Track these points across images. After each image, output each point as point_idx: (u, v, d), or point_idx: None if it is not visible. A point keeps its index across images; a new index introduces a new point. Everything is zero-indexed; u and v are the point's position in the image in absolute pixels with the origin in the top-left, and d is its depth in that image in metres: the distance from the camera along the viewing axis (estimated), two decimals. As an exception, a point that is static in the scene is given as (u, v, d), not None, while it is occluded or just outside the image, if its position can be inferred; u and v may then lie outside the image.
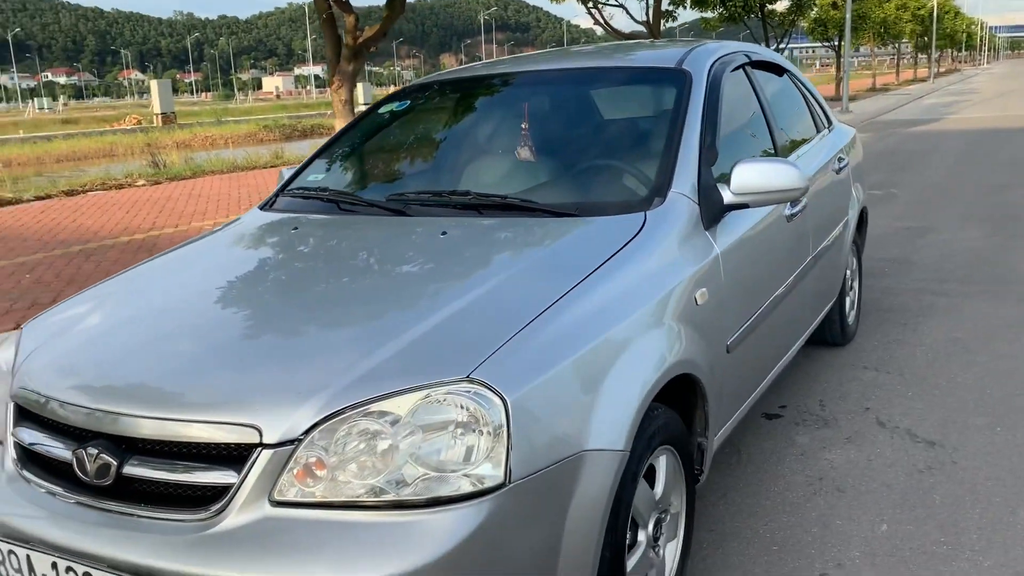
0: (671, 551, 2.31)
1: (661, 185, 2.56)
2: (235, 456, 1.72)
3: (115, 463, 1.78)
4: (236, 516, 1.68)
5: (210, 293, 2.30)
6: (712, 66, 3.08)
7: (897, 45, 52.21)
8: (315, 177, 3.20)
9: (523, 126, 3.08)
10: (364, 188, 3.13)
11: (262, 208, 3.09)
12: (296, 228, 2.73)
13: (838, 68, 33.98)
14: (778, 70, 3.94)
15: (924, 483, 2.98)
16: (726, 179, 2.65)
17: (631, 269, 2.21)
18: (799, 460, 3.21)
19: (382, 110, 3.51)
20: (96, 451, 1.79)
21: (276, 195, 3.15)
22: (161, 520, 1.73)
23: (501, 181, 2.96)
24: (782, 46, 25.18)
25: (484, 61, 3.87)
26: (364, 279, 2.23)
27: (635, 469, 1.99)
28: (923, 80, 51.63)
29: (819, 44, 37.14)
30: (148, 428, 1.77)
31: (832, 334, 4.33)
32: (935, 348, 4.37)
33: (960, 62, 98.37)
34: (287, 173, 3.38)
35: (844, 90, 24.82)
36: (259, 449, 1.69)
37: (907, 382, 3.93)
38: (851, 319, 4.51)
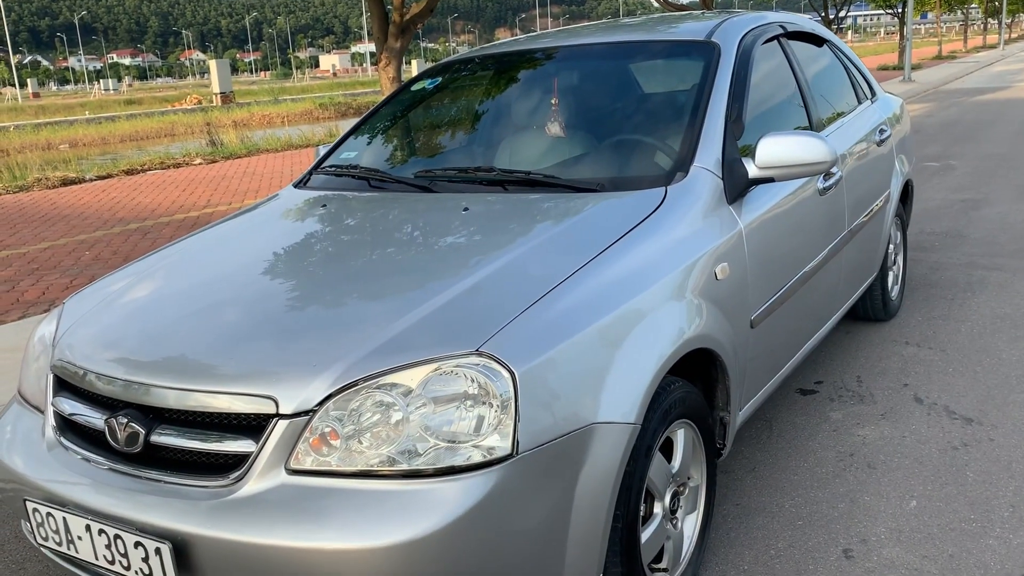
0: (690, 524, 2.33)
1: (684, 159, 2.56)
2: (253, 426, 1.79)
3: (143, 432, 1.86)
4: (255, 483, 1.75)
5: (233, 271, 2.38)
6: (743, 39, 3.05)
7: (966, 10, 50.34)
8: (348, 155, 3.26)
9: (553, 101, 3.10)
10: (394, 165, 3.18)
11: (296, 186, 3.16)
12: (324, 206, 2.80)
13: (902, 36, 32.95)
14: (817, 40, 3.87)
15: (958, 460, 2.94)
16: (751, 153, 2.63)
17: (647, 244, 2.22)
18: (831, 436, 3.19)
19: (414, 88, 3.55)
20: (126, 420, 1.88)
21: (310, 173, 3.22)
22: (185, 486, 1.81)
23: (527, 157, 2.98)
24: (842, 14, 24.48)
25: (513, 37, 3.87)
26: (384, 255, 2.28)
27: (649, 442, 2.01)
28: (993, 47, 49.74)
29: (882, 11, 36.01)
30: (172, 398, 1.85)
31: (874, 309, 4.27)
32: (981, 324, 4.27)
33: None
34: (322, 150, 3.45)
35: (907, 58, 24.07)
36: (276, 419, 1.75)
37: (949, 358, 3.86)
38: (894, 294, 4.43)
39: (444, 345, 1.79)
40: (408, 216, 2.55)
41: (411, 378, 1.75)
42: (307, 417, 1.75)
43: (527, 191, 2.59)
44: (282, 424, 1.75)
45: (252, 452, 1.77)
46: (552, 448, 1.78)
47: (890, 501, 2.72)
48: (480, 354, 1.76)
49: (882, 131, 4.04)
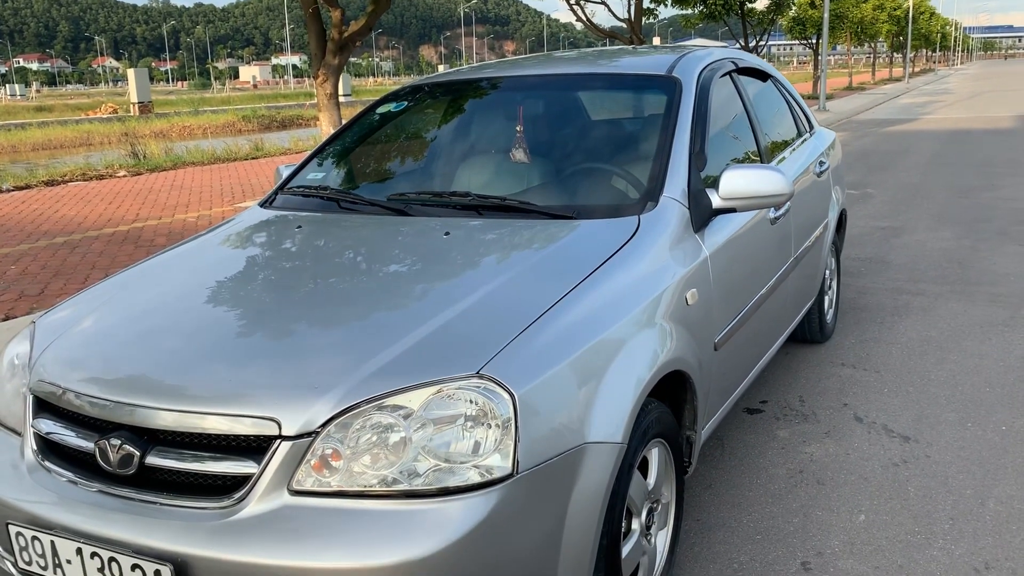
0: (662, 539, 2.43)
1: (653, 190, 2.67)
2: (255, 447, 1.80)
3: (138, 453, 1.86)
4: (256, 504, 1.76)
5: (223, 288, 2.38)
6: (701, 73, 3.20)
7: (873, 44, 52.74)
8: (314, 176, 3.28)
9: (518, 128, 3.18)
10: (364, 187, 3.22)
11: (262, 205, 3.16)
12: (300, 226, 2.82)
13: (815, 66, 34.32)
14: (763, 76, 4.07)
15: (899, 476, 3.12)
16: (715, 184, 2.76)
17: (626, 271, 2.32)
18: (780, 453, 3.34)
19: (380, 110, 3.59)
20: (119, 442, 1.87)
21: (276, 192, 3.23)
22: (184, 508, 1.81)
23: (498, 182, 3.06)
24: (760, 44, 25.38)
25: (478, 63, 3.96)
26: (374, 277, 2.32)
27: (631, 461, 2.10)
28: (898, 79, 52.24)
29: (796, 42, 37.48)
30: (170, 420, 1.85)
31: (811, 332, 4.48)
32: (910, 346, 4.52)
33: (934, 62, 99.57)
34: (284, 171, 3.46)
35: (821, 89, 25.11)
36: (278, 441, 1.78)
37: (883, 379, 4.08)
38: (829, 317, 4.65)
39: (444, 368, 1.84)
40: (390, 239, 2.59)
41: (413, 400, 1.80)
42: (310, 439, 1.78)
43: (503, 217, 2.66)
44: (285, 446, 1.77)
45: (254, 473, 1.78)
46: (549, 467, 1.84)
47: (840, 515, 2.87)
48: (481, 376, 1.82)
49: (821, 163, 4.26)
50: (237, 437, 1.82)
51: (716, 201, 2.75)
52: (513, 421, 1.80)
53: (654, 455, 2.33)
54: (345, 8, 9.63)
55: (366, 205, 2.91)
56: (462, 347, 1.91)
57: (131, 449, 1.86)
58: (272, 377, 1.88)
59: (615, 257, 2.35)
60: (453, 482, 1.76)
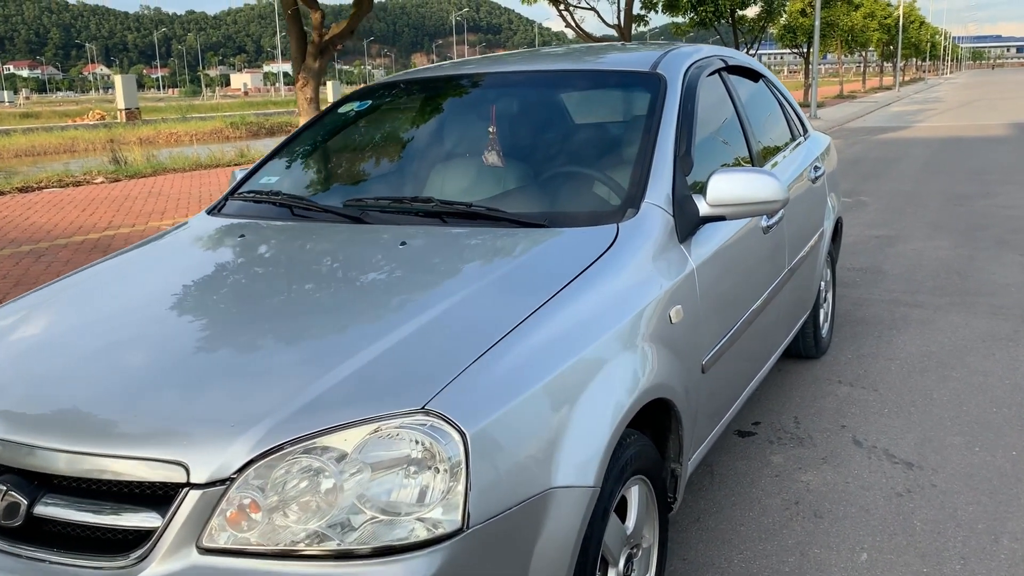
0: (642, 588, 2.16)
1: (634, 195, 2.41)
2: (160, 496, 1.54)
3: (25, 502, 1.58)
4: (159, 564, 1.50)
5: (146, 309, 2.10)
6: (688, 70, 2.95)
7: (864, 53, 52.81)
8: (268, 180, 3.01)
9: (491, 129, 2.92)
10: (320, 192, 2.94)
11: (210, 212, 2.90)
12: (243, 236, 2.54)
13: (806, 75, 34.25)
14: (754, 75, 3.82)
15: (904, 507, 2.86)
16: (702, 189, 2.51)
17: (602, 286, 2.06)
18: (774, 482, 3.08)
19: (342, 109, 3.33)
20: (4, 488, 1.60)
21: (225, 198, 2.96)
22: (75, 567, 1.54)
23: (467, 188, 2.79)
24: (751, 52, 25.26)
25: (452, 60, 3.70)
26: (313, 295, 2.05)
27: (606, 504, 1.84)
28: (888, 88, 52.27)
29: (787, 51, 37.43)
30: (63, 462, 1.58)
31: (806, 347, 4.22)
32: (910, 362, 4.27)
33: (924, 71, 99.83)
34: (240, 174, 3.19)
35: (813, 96, 24.95)
36: (186, 489, 1.51)
37: (883, 398, 3.82)
38: (825, 331, 4.40)
39: (384, 402, 1.58)
40: (339, 249, 2.32)
41: (346, 440, 1.54)
42: (223, 487, 1.51)
43: (469, 225, 2.40)
44: (194, 495, 1.51)
45: (158, 527, 1.51)
46: (507, 519, 1.58)
47: (841, 554, 2.61)
48: (427, 412, 1.56)
49: (816, 168, 4.01)
50: (140, 484, 1.55)
51: (703, 208, 2.49)
52: (464, 465, 1.53)
53: (633, 494, 2.06)
54: (333, 15, 9.38)
55: (320, 212, 2.65)
56: (407, 377, 1.64)
57: (17, 496, 1.59)
58: (182, 412, 1.61)
59: (590, 270, 2.09)
60: (393, 537, 1.50)
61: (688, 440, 2.36)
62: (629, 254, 2.22)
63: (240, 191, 2.98)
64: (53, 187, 11.84)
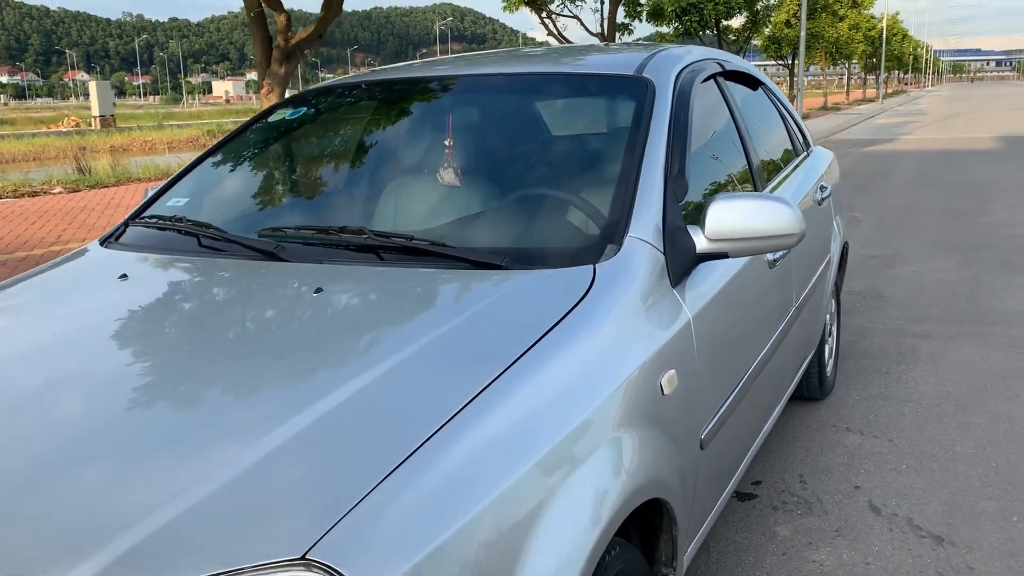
0: None
1: (615, 227, 1.93)
2: None
3: None
4: None
5: None
6: (679, 75, 2.47)
7: (847, 65, 52.81)
8: (176, 202, 2.50)
9: (447, 142, 2.43)
10: (233, 219, 2.42)
11: (103, 243, 2.39)
12: (124, 276, 2.03)
13: (791, 86, 34.03)
14: (752, 83, 3.35)
15: (937, 599, 2.39)
16: (699, 219, 2.03)
17: (573, 351, 1.57)
18: (781, 562, 2.60)
19: (274, 117, 2.83)
20: None
21: (124, 225, 2.45)
22: None
23: (417, 212, 2.30)
24: (737, 62, 24.99)
25: (409, 62, 3.20)
26: (181, 373, 1.53)
27: (575, 657, 1.34)
28: (872, 100, 52.21)
29: (772, 62, 37.23)
30: None
31: (809, 388, 3.75)
32: (924, 405, 3.81)
33: (906, 84, 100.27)
34: (152, 192, 2.68)
35: (798, 108, 24.65)
36: None
37: (898, 450, 3.35)
38: (829, 369, 3.93)
39: (249, 544, 1.08)
40: (232, 302, 1.81)
41: (191, 604, 1.04)
42: None
43: (408, 263, 1.90)
44: None
45: None
46: None
47: (868, 666, 2.13)
48: (308, 564, 1.06)
49: (822, 188, 3.55)
50: None
51: (701, 243, 2.01)
52: (361, 646, 1.04)
53: (614, 623, 1.57)
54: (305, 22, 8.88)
55: (230, 244, 2.14)
56: (287, 509, 1.14)
57: None
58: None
59: (557, 330, 1.60)
60: None
61: (683, 537, 1.87)
62: (608, 305, 1.73)
63: (142, 216, 2.48)
64: (7, 197, 11.24)
